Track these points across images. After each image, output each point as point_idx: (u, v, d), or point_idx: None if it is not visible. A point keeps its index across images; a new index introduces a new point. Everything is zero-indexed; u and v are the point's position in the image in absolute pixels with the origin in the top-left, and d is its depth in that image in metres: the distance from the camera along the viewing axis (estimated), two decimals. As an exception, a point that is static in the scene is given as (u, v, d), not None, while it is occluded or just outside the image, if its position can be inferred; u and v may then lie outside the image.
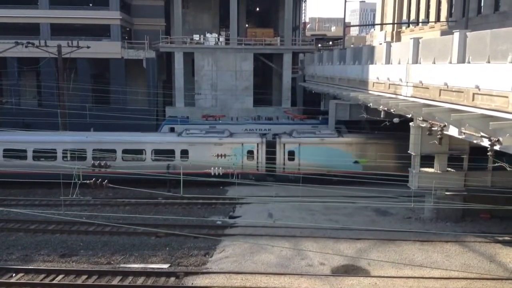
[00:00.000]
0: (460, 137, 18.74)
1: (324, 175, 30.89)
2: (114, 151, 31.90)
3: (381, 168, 29.52)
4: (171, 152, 32.31)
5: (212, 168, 29.33)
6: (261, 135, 34.26)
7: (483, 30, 17.27)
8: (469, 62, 17.48)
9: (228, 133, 33.62)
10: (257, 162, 32.66)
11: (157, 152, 32.33)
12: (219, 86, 47.75)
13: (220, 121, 40.27)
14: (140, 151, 32.35)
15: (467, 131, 17.66)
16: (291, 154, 32.80)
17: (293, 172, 31.70)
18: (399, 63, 23.73)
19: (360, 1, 73.99)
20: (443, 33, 41.95)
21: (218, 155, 31.15)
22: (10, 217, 25.92)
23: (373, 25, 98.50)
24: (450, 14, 45.43)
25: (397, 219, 25.75)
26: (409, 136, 24.38)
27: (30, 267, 19.69)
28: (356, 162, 32.48)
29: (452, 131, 19.17)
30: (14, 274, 19.10)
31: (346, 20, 55.65)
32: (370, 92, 27.32)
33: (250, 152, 32.72)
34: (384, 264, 19.54)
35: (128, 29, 51.39)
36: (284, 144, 32.96)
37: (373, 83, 26.97)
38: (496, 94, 15.10)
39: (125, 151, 31.99)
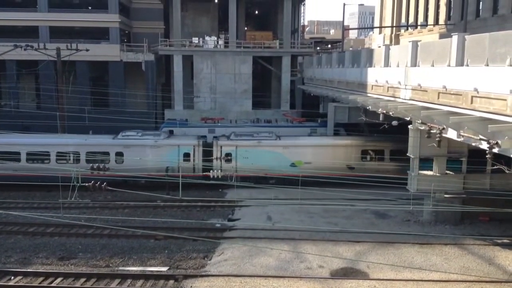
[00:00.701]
0: (459, 140, 18.78)
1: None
2: (48, 153, 31.77)
3: (321, 170, 29.62)
4: (106, 154, 32.09)
5: (211, 171, 29.32)
6: (199, 137, 33.95)
7: (482, 33, 17.31)
8: (467, 65, 17.51)
9: (164, 135, 33.37)
10: (194, 165, 32.24)
11: (91, 154, 31.93)
12: (218, 89, 47.77)
13: (219, 124, 40.28)
14: (76, 153, 32.09)
15: (466, 134, 17.70)
16: (228, 156, 32.56)
17: (230, 175, 31.52)
18: (398, 66, 23.77)
19: (359, 4, 74.12)
20: (442, 36, 42.05)
21: (155, 157, 30.95)
22: (9, 219, 25.90)
23: (372, 28, 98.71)
24: (448, 17, 45.55)
25: (396, 221, 25.76)
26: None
27: (28, 270, 19.65)
28: (292, 165, 32.20)
29: (451, 134, 19.20)
30: (12, 277, 19.06)
31: (345, 23, 55.72)
32: (369, 95, 27.36)
33: (187, 155, 32.39)
34: (383, 267, 19.52)
35: (127, 32, 51.47)
36: (221, 147, 32.70)
37: (372, 86, 27.01)
38: (495, 97, 15.12)
39: (59, 154, 31.84)
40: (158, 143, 32.44)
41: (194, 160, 32.42)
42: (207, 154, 32.57)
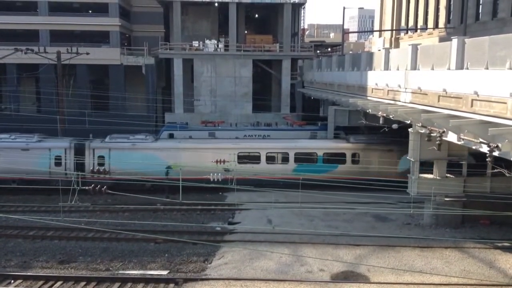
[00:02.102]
0: (459, 143, 18.77)
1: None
2: None
3: (196, 173, 29.36)
4: None
5: (211, 174, 29.36)
6: (72, 140, 32.94)
7: (482, 36, 17.33)
8: (467, 69, 17.53)
9: (36, 138, 32.81)
10: (65, 168, 31.64)
11: None
12: (218, 92, 47.83)
13: (220, 127, 40.28)
14: None
15: (466, 137, 17.69)
16: (101, 159, 32.21)
17: (103, 178, 31.10)
18: (398, 69, 23.80)
19: (358, 8, 74.24)
20: (442, 39, 42.11)
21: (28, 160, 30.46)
22: (9, 223, 25.83)
23: (372, 31, 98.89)
24: (448, 20, 45.62)
25: (396, 225, 25.73)
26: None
27: (28, 273, 19.61)
28: (168, 167, 31.65)
29: (451, 137, 19.20)
30: (12, 281, 19.02)
31: (345, 27, 55.85)
32: (369, 98, 27.38)
33: (58, 158, 31.89)
34: (384, 270, 19.50)
35: (127, 35, 51.56)
36: (93, 150, 32.28)
37: (372, 89, 27.04)
38: (495, 100, 15.13)
39: None
40: (29, 146, 31.95)
41: (65, 164, 31.76)
42: (79, 157, 31.91)
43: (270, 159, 32.53)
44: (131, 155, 31.75)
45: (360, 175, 30.36)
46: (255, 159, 32.47)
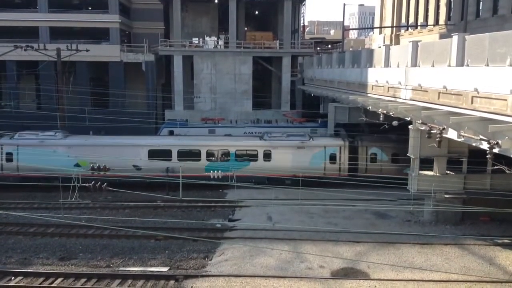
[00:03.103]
0: (459, 140, 18.78)
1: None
2: None
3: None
4: None
5: (211, 172, 29.37)
6: None
7: (482, 33, 17.32)
8: (468, 65, 17.52)
9: None
10: None
11: None
12: (218, 89, 47.80)
13: (220, 124, 40.30)
14: None
15: (466, 134, 17.70)
16: (10, 156, 31.91)
17: (12, 175, 31.27)
18: (398, 66, 23.78)
19: (359, 5, 74.20)
20: (442, 36, 42.09)
21: None
22: (9, 220, 25.91)
23: (372, 28, 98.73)
24: (448, 17, 45.58)
25: (396, 222, 25.76)
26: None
27: (29, 270, 19.65)
28: (77, 165, 31.28)
29: (451, 134, 19.20)
30: (13, 278, 19.05)
31: (345, 24, 55.74)
32: (369, 95, 27.36)
33: None
34: (384, 267, 19.53)
35: (127, 32, 51.50)
36: (1, 146, 32.14)
37: (372, 86, 27.02)
38: (495, 97, 15.13)
39: None
40: None
41: None
42: None
43: (182, 156, 32.18)
44: (39, 152, 31.52)
45: (272, 172, 30.18)
46: (166, 156, 32.12)
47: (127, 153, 31.61)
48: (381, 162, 32.32)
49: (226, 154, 32.67)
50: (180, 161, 31.20)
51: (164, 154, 32.10)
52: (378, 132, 29.84)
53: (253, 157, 32.57)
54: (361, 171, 31.75)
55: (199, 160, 32.26)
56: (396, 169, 30.61)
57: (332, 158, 32.60)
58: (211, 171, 29.45)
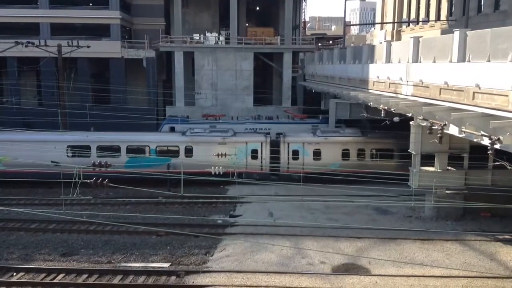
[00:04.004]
0: (460, 136, 18.76)
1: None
2: None
3: (25, 166, 28.84)
4: None
5: (212, 167, 29.42)
6: None
7: (484, 29, 17.27)
8: (469, 61, 17.48)
9: None
10: None
11: None
12: (219, 85, 47.75)
13: (220, 121, 40.27)
14: None
15: (467, 130, 17.67)
16: None
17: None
18: (399, 62, 23.73)
19: (360, 0, 73.89)
20: (443, 32, 41.99)
21: None
22: (11, 216, 25.94)
23: (373, 24, 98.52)
24: (450, 13, 45.46)
25: (397, 217, 25.78)
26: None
27: (30, 266, 19.72)
28: None
29: (453, 130, 19.18)
30: (14, 273, 19.12)
31: (346, 19, 55.66)
32: (371, 91, 27.33)
33: None
34: (385, 262, 19.56)
35: (128, 28, 51.38)
36: None
37: (374, 82, 26.99)
38: (497, 93, 15.10)
39: None
40: None
41: None
42: None
43: (102, 151, 31.88)
44: None
45: (194, 169, 30.20)
46: (85, 152, 31.91)
47: (47, 149, 31.21)
48: (303, 159, 32.28)
49: (146, 150, 32.40)
50: (100, 157, 30.60)
51: (83, 150, 31.87)
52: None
53: (175, 153, 32.34)
54: (283, 167, 31.86)
55: (119, 156, 31.95)
56: (317, 166, 30.99)
57: (254, 154, 32.50)
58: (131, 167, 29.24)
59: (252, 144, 32.67)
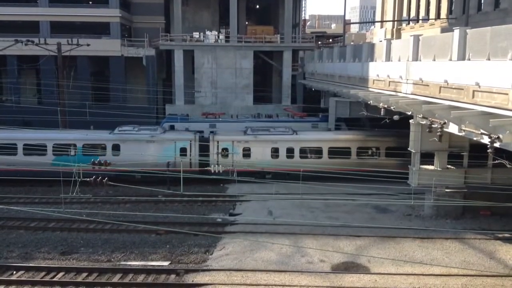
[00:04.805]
0: (460, 134, 18.75)
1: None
2: None
3: None
4: None
5: (212, 165, 29.37)
6: None
7: (484, 27, 17.24)
8: (469, 60, 17.46)
9: None
10: None
11: None
12: (219, 83, 47.72)
13: (220, 119, 40.26)
14: None
15: (467, 128, 17.67)
16: None
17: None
18: (399, 60, 23.71)
19: (360, -2, 73.78)
20: (443, 30, 41.94)
21: None
22: (11, 214, 25.97)
23: (373, 22, 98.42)
24: (450, 11, 45.42)
25: (397, 216, 25.78)
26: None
27: (30, 264, 19.72)
28: None
29: (452, 128, 19.17)
30: (14, 272, 19.12)
31: (346, 18, 55.56)
32: (370, 89, 27.31)
33: None
34: (384, 261, 19.56)
35: (127, 26, 51.32)
36: None
37: (373, 80, 26.96)
38: (496, 91, 15.09)
39: None
40: None
41: None
42: None
43: (28, 150, 31.62)
44: None
45: (121, 166, 30.04)
46: (12, 150, 31.71)
47: None
48: (232, 157, 32.22)
49: (73, 148, 32.19)
50: (26, 156, 30.85)
51: (8, 148, 31.57)
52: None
53: (102, 151, 32.16)
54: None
55: (45, 154, 31.73)
56: (248, 164, 31.12)
57: (183, 152, 32.32)
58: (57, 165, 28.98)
59: (180, 143, 32.47)
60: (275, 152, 32.47)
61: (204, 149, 32.41)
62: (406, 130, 24.85)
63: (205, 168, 30.18)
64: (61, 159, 31.36)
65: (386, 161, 31.55)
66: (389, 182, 23.60)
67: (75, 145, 32.26)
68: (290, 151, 32.52)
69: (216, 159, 32.08)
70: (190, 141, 32.61)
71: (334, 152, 32.04)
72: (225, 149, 32.55)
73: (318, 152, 32.61)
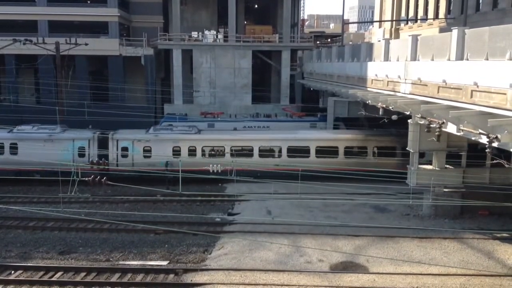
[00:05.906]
0: (458, 134, 18.78)
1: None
2: None
3: None
4: None
5: (211, 165, 29.39)
6: None
7: (482, 27, 17.28)
8: (467, 59, 17.49)
9: None
10: None
11: None
12: (218, 83, 47.71)
13: (219, 119, 40.27)
14: None
15: (465, 128, 17.69)
16: None
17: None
18: (398, 60, 23.73)
19: (358, -2, 73.83)
20: (442, 30, 41.95)
21: None
22: (9, 214, 25.95)
23: (372, 22, 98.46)
24: (448, 11, 45.45)
25: (395, 216, 25.80)
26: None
27: (29, 264, 19.71)
28: None
29: (451, 128, 19.20)
30: (13, 271, 19.10)
31: (345, 17, 55.59)
32: (369, 89, 27.33)
33: None
34: (383, 260, 19.58)
35: (126, 26, 51.28)
36: None
37: (372, 80, 26.99)
38: (495, 91, 15.12)
39: None
40: None
41: None
42: None
43: None
44: None
45: (19, 166, 29.90)
46: None
47: None
48: (132, 156, 32.01)
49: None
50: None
51: None
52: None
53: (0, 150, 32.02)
54: (112, 165, 31.46)
55: None
56: (148, 164, 30.99)
57: (81, 151, 32.11)
58: None
59: (79, 142, 32.21)
60: (176, 151, 32.10)
61: (104, 148, 32.12)
62: (400, 129, 24.88)
63: (105, 167, 30.04)
64: None
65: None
66: (384, 182, 23.64)
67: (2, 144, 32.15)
68: (192, 150, 32.24)
69: (115, 158, 31.94)
70: (89, 140, 32.28)
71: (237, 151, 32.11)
72: (124, 148, 32.21)
73: (220, 151, 32.35)
